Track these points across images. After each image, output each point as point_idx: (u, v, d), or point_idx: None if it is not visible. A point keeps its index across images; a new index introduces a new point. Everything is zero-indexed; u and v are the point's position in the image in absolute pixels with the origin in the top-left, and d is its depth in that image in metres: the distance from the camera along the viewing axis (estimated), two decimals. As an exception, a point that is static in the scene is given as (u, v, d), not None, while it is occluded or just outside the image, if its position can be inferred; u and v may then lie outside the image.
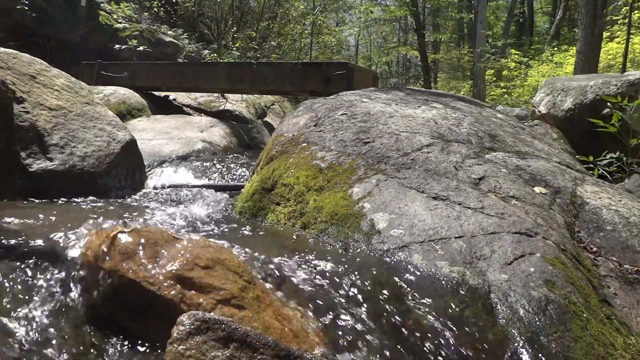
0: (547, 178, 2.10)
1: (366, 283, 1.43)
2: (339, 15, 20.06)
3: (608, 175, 3.31)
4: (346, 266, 1.51)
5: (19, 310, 1.14)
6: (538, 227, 1.70)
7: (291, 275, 1.42)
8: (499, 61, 14.40)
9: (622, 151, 3.36)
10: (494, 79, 14.62)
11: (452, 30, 20.69)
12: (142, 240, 1.25)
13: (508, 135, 2.58)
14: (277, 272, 1.40)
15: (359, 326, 1.26)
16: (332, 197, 2.00)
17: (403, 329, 1.28)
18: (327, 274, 1.44)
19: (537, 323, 1.34)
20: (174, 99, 6.94)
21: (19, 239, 1.41)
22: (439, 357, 1.21)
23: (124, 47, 8.24)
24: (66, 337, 1.12)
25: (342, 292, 1.37)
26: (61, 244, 1.38)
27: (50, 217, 1.90)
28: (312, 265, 1.50)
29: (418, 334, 1.27)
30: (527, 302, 1.39)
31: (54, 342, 1.09)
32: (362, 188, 1.99)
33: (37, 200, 2.45)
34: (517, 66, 13.52)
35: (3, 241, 1.38)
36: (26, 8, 7.13)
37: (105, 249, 1.21)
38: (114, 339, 1.14)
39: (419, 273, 1.52)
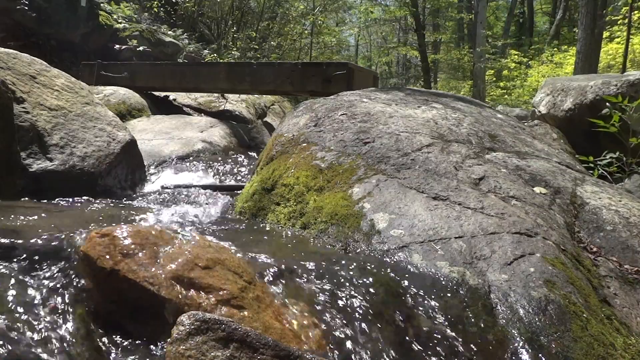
0: (547, 178, 2.10)
1: (366, 283, 1.43)
2: (339, 15, 20.05)
3: (608, 175, 3.31)
4: (346, 266, 1.51)
5: (18, 309, 1.14)
6: (538, 227, 1.70)
7: (291, 275, 1.42)
8: (499, 61, 14.41)
9: (622, 151, 3.36)
10: (494, 79, 14.64)
11: (452, 30, 20.68)
12: (142, 241, 1.25)
13: (508, 136, 2.58)
14: (277, 272, 1.40)
15: (359, 326, 1.26)
16: (332, 197, 2.00)
17: (403, 329, 1.28)
18: (327, 275, 1.44)
19: (537, 323, 1.34)
20: (174, 99, 6.94)
21: (19, 239, 1.41)
22: (439, 357, 1.22)
23: (124, 47, 8.24)
24: (66, 337, 1.12)
25: (342, 292, 1.37)
26: (61, 244, 1.38)
27: (50, 217, 1.90)
28: (312, 265, 1.49)
29: (418, 334, 1.27)
30: (527, 302, 1.39)
31: (53, 342, 1.09)
32: (362, 188, 1.99)
33: (37, 201, 2.45)
34: (517, 66, 13.53)
35: (3, 241, 1.38)
36: (26, 8, 7.13)
37: (105, 249, 1.21)
38: (114, 339, 1.14)
39: (419, 273, 1.52)
